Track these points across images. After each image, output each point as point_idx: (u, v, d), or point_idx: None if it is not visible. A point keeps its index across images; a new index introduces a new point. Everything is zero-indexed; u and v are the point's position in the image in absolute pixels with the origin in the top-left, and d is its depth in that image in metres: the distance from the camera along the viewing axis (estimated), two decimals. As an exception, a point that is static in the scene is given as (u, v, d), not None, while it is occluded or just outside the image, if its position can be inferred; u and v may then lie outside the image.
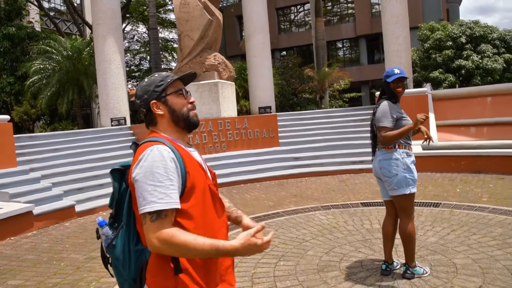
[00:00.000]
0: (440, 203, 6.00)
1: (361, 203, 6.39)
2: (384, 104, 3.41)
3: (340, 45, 31.68)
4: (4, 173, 7.11)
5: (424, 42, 20.26)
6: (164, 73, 1.57)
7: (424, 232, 4.72)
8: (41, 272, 4.37)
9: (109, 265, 1.55)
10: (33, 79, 15.71)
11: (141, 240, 1.45)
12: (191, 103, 1.58)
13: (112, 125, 11.23)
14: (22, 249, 5.30)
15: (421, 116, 3.12)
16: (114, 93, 11.55)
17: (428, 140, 3.38)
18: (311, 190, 7.76)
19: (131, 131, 10.50)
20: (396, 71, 3.39)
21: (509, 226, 4.71)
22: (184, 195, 1.40)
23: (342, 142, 10.41)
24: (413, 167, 3.38)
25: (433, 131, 10.11)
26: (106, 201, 7.44)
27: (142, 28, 28.98)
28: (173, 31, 28.55)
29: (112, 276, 1.55)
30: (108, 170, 7.65)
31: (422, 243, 4.34)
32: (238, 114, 11.44)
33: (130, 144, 1.58)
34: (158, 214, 1.32)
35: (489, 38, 19.10)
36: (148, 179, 1.33)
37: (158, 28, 22.94)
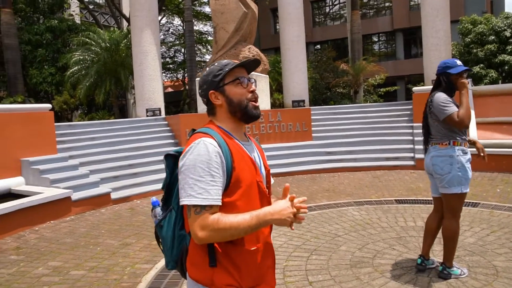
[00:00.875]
0: (479, 203, 5.78)
1: (395, 200, 6.24)
2: (441, 94, 3.27)
3: (376, 39, 30.94)
4: (45, 159, 7.41)
5: (465, 36, 19.46)
6: (225, 61, 1.53)
7: (462, 232, 4.55)
8: (79, 256, 4.53)
9: (159, 243, 1.60)
10: (72, 70, 16.23)
11: (185, 225, 1.48)
12: (251, 92, 1.51)
13: (147, 116, 11.46)
14: (61, 233, 5.51)
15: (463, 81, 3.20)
16: (150, 84, 11.76)
17: (483, 157, 3.27)
18: (344, 185, 7.65)
19: (166, 122, 10.68)
20: (459, 62, 3.24)
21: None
22: (228, 189, 1.39)
23: (376, 138, 10.20)
24: (468, 165, 3.23)
25: (473, 129, 9.73)
26: (141, 189, 7.65)
27: (177, 21, 29.33)
28: (208, 23, 28.71)
29: (163, 252, 1.60)
30: (143, 160, 7.82)
31: (460, 243, 4.19)
32: (271, 107, 11.40)
33: (189, 131, 1.62)
34: (202, 207, 1.32)
35: (536, 32, 18.09)
36: (190, 172, 1.33)
37: (193, 20, 23.14)
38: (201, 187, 1.32)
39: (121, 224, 5.82)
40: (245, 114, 1.50)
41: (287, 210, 1.35)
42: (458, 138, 3.23)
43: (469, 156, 3.26)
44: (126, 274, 3.94)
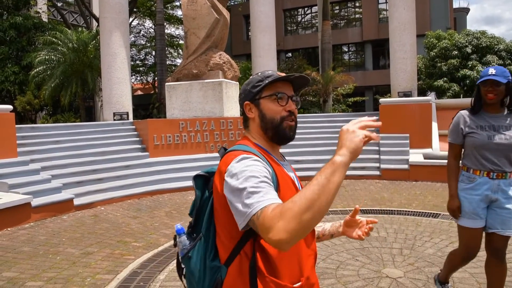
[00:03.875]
0: (439, 213, 5.98)
1: (360, 210, 6.35)
2: (458, 115, 2.87)
3: (346, 49, 31.64)
4: (4, 163, 7.10)
5: (430, 50, 20.22)
6: (269, 71, 1.38)
7: (423, 243, 4.69)
8: (37, 265, 4.36)
9: (183, 276, 1.43)
10: (37, 69, 15.73)
11: (218, 256, 1.30)
12: (289, 111, 1.34)
13: (114, 120, 11.22)
14: (18, 241, 5.29)
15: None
16: (118, 87, 11.54)
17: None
18: (311, 194, 7.72)
19: (133, 127, 10.49)
20: (491, 71, 2.64)
21: (510, 241, 4.68)
22: None
23: (343, 147, 10.37)
24: (466, 195, 2.80)
25: (435, 140, 10.08)
26: (105, 195, 7.48)
27: (148, 23, 29.01)
28: (180, 27, 28.54)
29: (185, 286, 1.45)
30: (108, 165, 7.65)
31: (420, 254, 4.32)
32: (240, 115, 11.42)
33: (219, 149, 1.40)
34: (261, 211, 1.08)
35: (495, 49, 19.04)
36: (243, 186, 1.13)
37: (165, 24, 22.92)
38: (261, 195, 1.10)
39: (83, 231, 5.65)
40: (276, 133, 1.34)
41: (356, 133, 1.14)
42: (466, 162, 2.84)
43: (473, 184, 2.77)
44: (86, 285, 3.82)
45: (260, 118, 1.36)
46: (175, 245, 1.43)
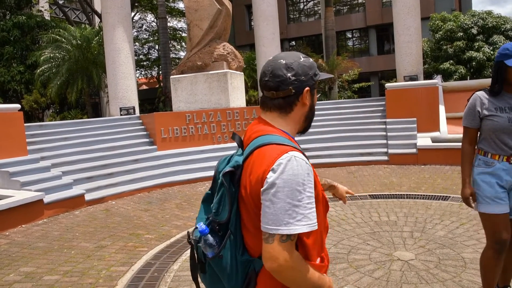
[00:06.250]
0: (449, 196, 5.97)
1: (369, 195, 6.37)
2: (474, 97, 2.62)
3: (349, 35, 31.36)
4: (15, 161, 7.20)
5: (435, 33, 19.96)
6: (310, 59, 1.36)
7: (433, 225, 4.70)
8: (52, 260, 4.44)
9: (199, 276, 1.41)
10: (43, 68, 15.79)
11: (247, 250, 1.30)
12: None
13: (121, 115, 11.28)
14: (33, 237, 5.38)
15: None
16: (123, 82, 11.57)
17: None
18: (319, 182, 7.74)
19: (140, 121, 10.53)
20: None
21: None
22: None
23: (350, 134, 10.36)
24: (483, 178, 2.57)
25: (443, 124, 10.02)
26: (116, 190, 7.56)
27: (150, 17, 28.93)
28: (182, 20, 28.41)
29: (199, 287, 1.42)
30: (117, 160, 7.72)
31: (431, 236, 4.33)
32: (246, 104, 11.42)
33: (232, 135, 1.38)
34: (289, 236, 1.15)
35: (502, 29, 18.74)
36: (287, 197, 1.14)
37: (167, 17, 22.85)
38: (300, 212, 1.14)
39: (95, 226, 5.73)
40: (309, 125, 1.40)
41: None
42: (483, 146, 2.61)
43: (491, 169, 2.54)
44: (101, 277, 3.89)
45: (309, 108, 1.35)
46: (189, 242, 1.39)
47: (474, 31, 18.49)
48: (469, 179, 2.62)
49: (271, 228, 1.15)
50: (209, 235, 1.29)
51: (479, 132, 2.64)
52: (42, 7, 21.50)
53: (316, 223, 1.18)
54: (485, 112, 2.53)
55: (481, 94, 2.58)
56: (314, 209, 1.18)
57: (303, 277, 1.19)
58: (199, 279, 1.42)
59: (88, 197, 7.06)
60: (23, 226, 5.94)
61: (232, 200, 1.27)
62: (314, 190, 1.21)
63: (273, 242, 1.15)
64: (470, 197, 2.62)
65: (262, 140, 1.24)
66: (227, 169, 1.27)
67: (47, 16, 21.60)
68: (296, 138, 1.40)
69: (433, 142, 9.12)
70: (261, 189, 1.18)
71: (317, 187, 1.26)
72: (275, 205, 1.14)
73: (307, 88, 1.30)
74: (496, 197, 2.49)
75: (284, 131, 1.31)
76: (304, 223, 1.15)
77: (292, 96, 1.29)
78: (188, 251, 4.39)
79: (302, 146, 9.94)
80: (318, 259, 1.32)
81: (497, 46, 18.25)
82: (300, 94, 1.30)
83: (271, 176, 1.15)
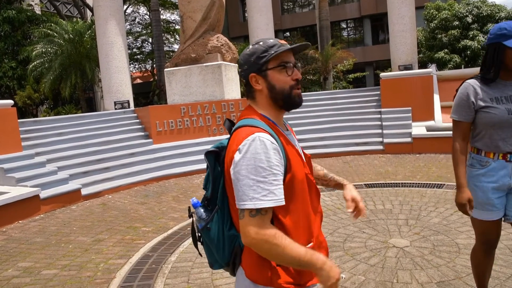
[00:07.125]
0: (444, 184, 6.02)
1: (364, 184, 6.41)
2: (465, 86, 2.30)
3: (344, 26, 31.26)
4: (10, 157, 7.17)
5: (430, 22, 19.96)
6: (271, 40, 1.37)
7: (428, 213, 4.75)
8: (50, 255, 4.45)
9: (199, 244, 1.51)
10: (35, 63, 15.67)
11: (234, 225, 1.39)
12: (296, 80, 1.37)
13: (115, 109, 11.23)
14: (30, 232, 5.38)
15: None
16: (117, 76, 11.51)
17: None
18: (315, 172, 7.77)
19: (135, 114, 10.50)
20: None
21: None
22: (284, 187, 1.27)
23: (346, 124, 10.38)
24: (477, 183, 2.30)
25: (437, 112, 10.06)
26: (112, 184, 7.56)
27: (143, 10, 28.67)
28: (175, 12, 28.18)
29: (201, 254, 1.55)
30: (113, 154, 7.70)
31: (426, 223, 4.38)
32: (241, 96, 11.39)
33: (224, 121, 1.47)
34: (258, 210, 1.22)
35: (497, 18, 18.74)
36: (250, 173, 1.21)
37: (160, 9, 22.67)
38: (265, 188, 1.21)
39: (93, 220, 5.74)
40: (287, 102, 1.37)
41: (334, 279, 1.24)
42: (476, 142, 2.33)
43: (486, 170, 2.27)
44: (99, 270, 3.91)
45: (268, 89, 1.37)
46: (190, 216, 1.48)
47: (469, 19, 18.50)
48: (465, 181, 2.28)
49: (239, 204, 1.24)
50: (200, 208, 1.42)
51: (472, 127, 2.34)
52: (33, 1, 21.26)
53: (283, 199, 1.24)
54: (481, 103, 2.21)
55: (473, 82, 2.26)
56: (281, 185, 1.24)
57: (283, 251, 1.21)
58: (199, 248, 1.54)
59: (84, 191, 7.06)
60: (20, 222, 5.94)
61: (215, 178, 1.39)
62: (288, 169, 1.28)
63: (243, 217, 1.24)
64: (467, 203, 2.26)
65: (239, 123, 1.34)
66: (210, 149, 1.41)
67: (37, 11, 21.36)
68: (292, 122, 1.44)
69: (428, 131, 9.16)
70: (230, 168, 1.27)
71: (294, 166, 1.31)
72: (240, 182, 1.22)
73: (251, 74, 1.36)
74: (488, 204, 2.28)
75: (264, 115, 1.37)
76: (270, 198, 1.21)
77: (247, 86, 1.40)
78: (185, 243, 4.44)
79: (298, 136, 9.96)
80: (310, 245, 1.35)
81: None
82: (249, 82, 1.38)
83: (237, 156, 1.24)
